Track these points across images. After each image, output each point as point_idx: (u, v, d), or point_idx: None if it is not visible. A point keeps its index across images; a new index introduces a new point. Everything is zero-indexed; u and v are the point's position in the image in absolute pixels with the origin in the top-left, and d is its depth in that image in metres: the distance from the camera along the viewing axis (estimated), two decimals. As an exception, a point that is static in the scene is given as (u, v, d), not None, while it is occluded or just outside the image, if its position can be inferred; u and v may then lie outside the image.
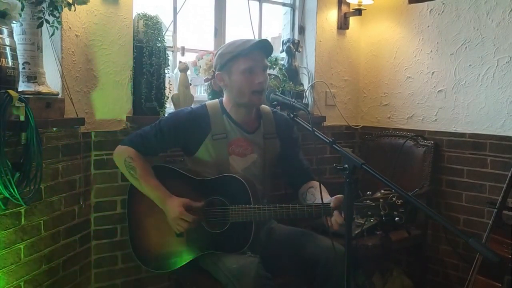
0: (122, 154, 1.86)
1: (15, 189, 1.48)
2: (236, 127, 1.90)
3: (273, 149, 1.98)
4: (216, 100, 1.97)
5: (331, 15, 2.95)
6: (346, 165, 1.32)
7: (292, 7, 2.99)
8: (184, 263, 1.84)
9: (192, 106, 2.23)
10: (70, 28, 1.93)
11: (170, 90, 2.32)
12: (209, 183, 1.84)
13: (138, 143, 1.86)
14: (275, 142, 1.99)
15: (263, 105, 1.97)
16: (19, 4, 1.52)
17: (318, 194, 1.79)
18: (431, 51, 2.75)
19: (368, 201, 1.57)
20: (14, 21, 1.55)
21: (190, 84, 2.38)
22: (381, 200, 1.55)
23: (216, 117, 1.89)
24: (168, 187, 1.82)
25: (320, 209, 1.68)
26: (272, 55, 2.61)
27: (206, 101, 2.05)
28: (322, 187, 1.66)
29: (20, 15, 1.58)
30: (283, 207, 1.74)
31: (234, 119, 1.91)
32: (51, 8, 1.69)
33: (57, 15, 1.73)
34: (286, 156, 2.01)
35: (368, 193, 1.60)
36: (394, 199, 1.53)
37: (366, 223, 2.27)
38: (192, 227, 1.77)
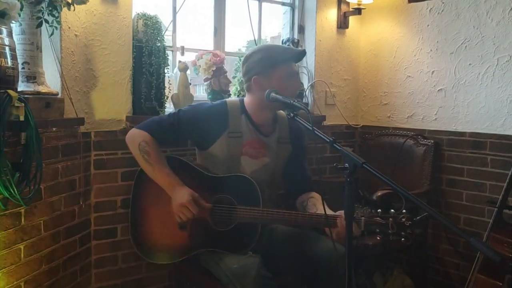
0: (136, 138, 1.85)
1: (15, 189, 1.48)
2: (253, 128, 1.89)
3: (285, 154, 1.98)
4: (237, 99, 1.97)
5: (331, 14, 2.95)
6: (347, 165, 1.32)
7: (292, 6, 2.99)
8: (184, 257, 1.83)
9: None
10: (69, 28, 1.93)
11: (170, 89, 2.31)
12: (220, 180, 1.83)
13: (154, 129, 1.85)
14: (288, 147, 1.98)
15: (279, 110, 1.96)
16: (18, 4, 1.51)
17: (320, 205, 1.82)
18: (431, 50, 2.75)
19: (378, 218, 1.56)
20: (13, 21, 1.54)
21: (190, 84, 2.38)
22: (390, 219, 1.54)
23: (235, 115, 1.88)
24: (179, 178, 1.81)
25: (328, 220, 1.66)
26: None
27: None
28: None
29: (19, 15, 1.58)
30: (292, 213, 1.74)
31: (253, 120, 1.90)
32: (50, 8, 1.69)
33: (56, 15, 1.73)
34: (293, 162, 2.00)
35: (378, 210, 1.58)
36: (403, 219, 1.52)
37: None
38: (195, 221, 1.75)
